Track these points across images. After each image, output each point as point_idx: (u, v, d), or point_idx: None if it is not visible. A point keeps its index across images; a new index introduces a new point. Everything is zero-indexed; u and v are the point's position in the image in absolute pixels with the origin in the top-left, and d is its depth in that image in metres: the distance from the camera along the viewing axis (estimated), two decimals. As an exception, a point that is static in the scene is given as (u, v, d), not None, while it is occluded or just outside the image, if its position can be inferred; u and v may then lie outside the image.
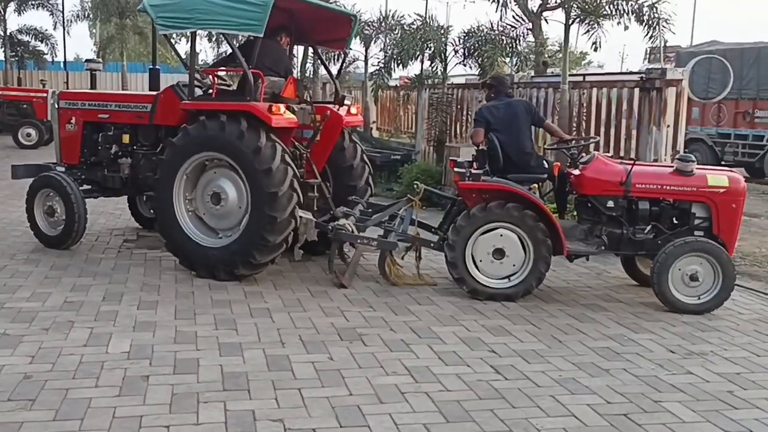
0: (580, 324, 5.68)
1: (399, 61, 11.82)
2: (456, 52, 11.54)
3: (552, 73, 12.73)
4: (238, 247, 6.46)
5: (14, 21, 64.73)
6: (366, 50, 14.84)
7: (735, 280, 6.05)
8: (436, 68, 11.91)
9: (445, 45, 11.68)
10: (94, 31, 48.14)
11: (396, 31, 13.46)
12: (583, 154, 6.79)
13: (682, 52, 21.51)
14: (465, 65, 11.75)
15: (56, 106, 8.07)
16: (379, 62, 12.64)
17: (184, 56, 7.82)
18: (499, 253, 6.16)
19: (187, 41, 7.82)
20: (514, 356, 4.93)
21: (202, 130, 6.53)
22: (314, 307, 5.90)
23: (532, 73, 11.47)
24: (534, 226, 6.08)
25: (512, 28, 10.73)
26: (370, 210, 7.37)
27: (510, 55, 10.92)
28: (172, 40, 7.91)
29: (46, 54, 28.88)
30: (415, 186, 7.14)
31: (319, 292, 6.37)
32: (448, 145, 11.40)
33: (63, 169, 7.84)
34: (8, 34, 27.35)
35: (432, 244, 6.79)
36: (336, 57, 14.21)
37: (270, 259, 6.51)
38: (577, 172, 6.43)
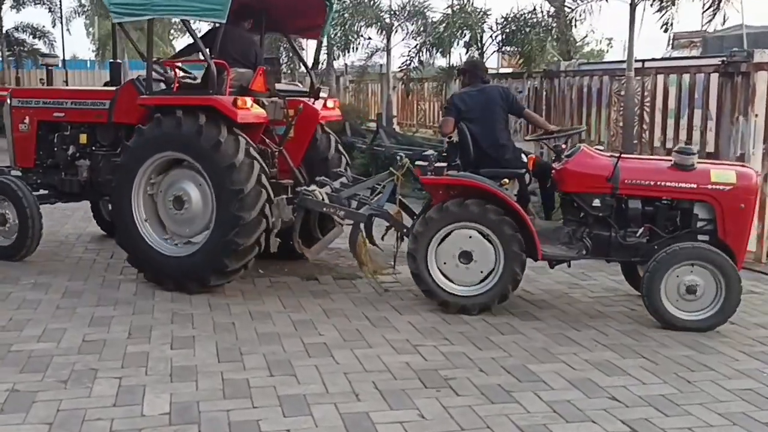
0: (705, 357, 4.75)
1: (434, 50, 10.81)
2: (494, 39, 10.54)
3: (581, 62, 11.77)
4: (206, 254, 5.87)
5: (11, 18, 63.62)
6: (387, 40, 13.87)
7: (741, 293, 5.10)
8: (473, 57, 10.90)
9: (483, 31, 10.69)
10: (92, 29, 47.12)
11: (421, 19, 12.52)
12: (563, 146, 5.91)
13: (710, 37, 20.52)
14: (504, 53, 10.75)
15: (8, 104, 7.43)
16: (409, 51, 11.65)
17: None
18: (465, 257, 5.44)
19: (184, 34, 7.06)
20: (643, 405, 4.00)
21: (157, 128, 5.96)
22: (379, 341, 4.96)
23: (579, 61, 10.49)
24: (499, 221, 5.35)
25: (569, 10, 9.73)
26: (352, 184, 6.69)
27: (559, 41, 9.95)
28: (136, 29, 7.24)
29: (45, 52, 27.82)
30: (398, 158, 6.25)
31: (379, 320, 5.43)
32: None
33: (18, 173, 7.25)
34: (5, 32, 26.31)
35: (405, 230, 5.95)
36: (350, 47, 13.23)
37: (243, 264, 5.92)
38: (558, 166, 5.63)
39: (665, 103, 8.26)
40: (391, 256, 6.31)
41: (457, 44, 11.06)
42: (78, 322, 5.26)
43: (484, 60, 11.01)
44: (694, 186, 5.28)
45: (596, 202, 5.41)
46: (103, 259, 7.20)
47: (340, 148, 7.25)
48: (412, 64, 11.43)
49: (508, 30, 10.45)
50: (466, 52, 11.01)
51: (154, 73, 6.30)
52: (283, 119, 6.65)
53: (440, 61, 12.99)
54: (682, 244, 5.19)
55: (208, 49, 6.19)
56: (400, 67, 12.03)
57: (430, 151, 6.00)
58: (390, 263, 6.38)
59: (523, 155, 6.05)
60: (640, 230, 5.38)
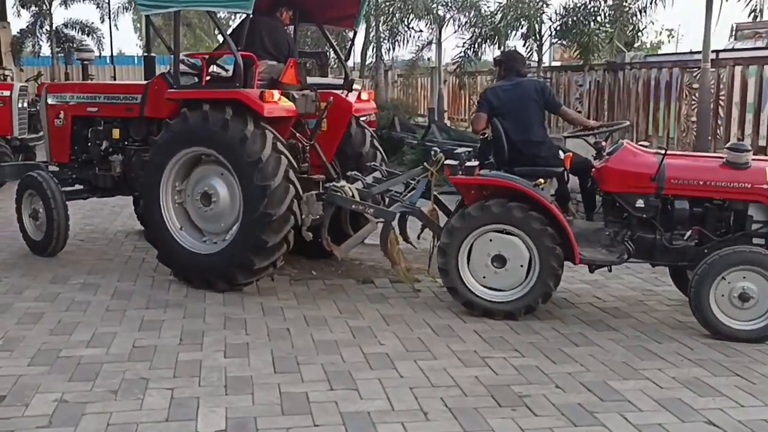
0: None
1: (488, 42, 10.40)
2: (554, 31, 10.08)
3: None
4: (233, 252, 5.72)
5: (61, 14, 64.77)
6: (439, 32, 13.49)
7: None
8: (530, 49, 10.47)
9: (541, 22, 10.24)
10: (138, 25, 47.62)
11: (474, 11, 12.11)
12: (604, 143, 5.47)
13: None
14: (563, 45, 10.30)
15: (44, 99, 7.40)
16: (464, 43, 11.26)
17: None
18: (499, 261, 5.16)
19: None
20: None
21: (184, 123, 5.82)
22: (444, 352, 4.63)
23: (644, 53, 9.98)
24: (540, 231, 5.03)
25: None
26: (386, 179, 6.38)
27: (625, 31, 9.45)
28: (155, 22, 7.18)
29: (93, 49, 28.08)
30: (433, 153, 5.94)
31: (442, 328, 5.09)
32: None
33: (56, 168, 7.25)
34: (54, 28, 26.65)
35: (438, 229, 5.62)
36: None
37: (271, 262, 5.74)
38: (599, 164, 5.25)
39: (743, 96, 7.73)
40: (427, 255, 5.97)
41: (514, 36, 10.61)
42: (128, 325, 5.05)
43: (542, 53, 10.55)
44: (748, 186, 4.89)
45: (640, 203, 5.05)
46: (152, 258, 6.93)
47: (376, 143, 6.99)
48: (466, 56, 10.99)
49: (569, 21, 9.94)
50: (524, 44, 10.57)
51: (186, 67, 6.18)
52: (315, 113, 6.44)
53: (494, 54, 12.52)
54: (735, 247, 4.80)
55: (236, 42, 6.02)
56: (453, 60, 11.66)
57: (462, 149, 5.70)
58: (421, 268, 6.10)
59: (561, 152, 5.68)
60: (688, 233, 5.01)
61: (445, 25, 13.15)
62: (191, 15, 29.08)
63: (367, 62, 16.22)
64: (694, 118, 8.18)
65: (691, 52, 8.96)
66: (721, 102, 7.98)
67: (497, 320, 5.21)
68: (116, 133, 6.90)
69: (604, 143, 5.48)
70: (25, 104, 11.21)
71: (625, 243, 5.09)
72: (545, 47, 10.61)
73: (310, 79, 6.67)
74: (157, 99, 6.36)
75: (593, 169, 5.39)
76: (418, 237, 6.15)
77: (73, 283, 6.11)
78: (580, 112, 10.58)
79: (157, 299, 5.68)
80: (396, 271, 5.95)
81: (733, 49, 8.87)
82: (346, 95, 6.70)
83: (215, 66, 6.64)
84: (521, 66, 5.88)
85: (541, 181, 5.24)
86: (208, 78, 6.19)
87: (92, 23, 27.92)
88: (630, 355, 4.60)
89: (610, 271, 5.72)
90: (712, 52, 8.06)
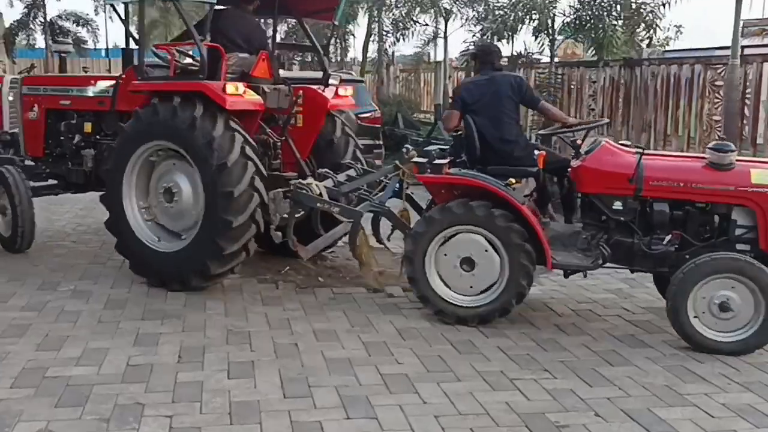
0: None
1: (497, 36, 9.99)
2: (567, 25, 9.68)
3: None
4: (190, 255, 5.54)
5: (54, 6, 63.99)
6: (445, 26, 13.08)
7: None
8: (542, 44, 10.08)
9: (554, 16, 9.84)
10: (135, 18, 46.98)
11: (482, 4, 11.70)
12: (580, 141, 5.21)
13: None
14: (576, 40, 9.90)
15: (19, 91, 7.24)
16: (473, 36, 10.85)
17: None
18: (468, 264, 4.92)
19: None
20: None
21: (153, 115, 5.62)
22: (468, 372, 4.23)
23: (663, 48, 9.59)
24: (506, 228, 4.81)
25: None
26: (360, 177, 6.23)
27: (645, 27, 9.06)
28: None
29: (87, 41, 27.60)
30: (405, 151, 5.72)
31: (463, 344, 4.69)
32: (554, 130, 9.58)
33: (31, 163, 7.09)
34: (49, 20, 26.14)
35: (407, 231, 5.38)
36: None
37: (227, 269, 5.58)
38: (576, 163, 5.02)
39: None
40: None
41: (525, 30, 10.20)
42: (122, 340, 4.63)
43: (554, 47, 10.15)
44: (732, 188, 4.62)
45: (617, 205, 4.81)
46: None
47: (348, 130, 6.68)
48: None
49: (583, 15, 9.55)
50: (535, 39, 10.17)
51: (160, 59, 5.97)
52: (288, 108, 6.27)
53: (504, 51, 12.11)
54: (715, 254, 4.52)
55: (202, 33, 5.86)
56: (462, 53, 11.23)
57: (433, 147, 5.51)
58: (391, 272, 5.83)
59: (536, 151, 5.37)
60: (668, 237, 4.75)
61: (451, 19, 12.73)
62: (189, 7, 28.52)
63: (369, 57, 15.79)
64: (717, 117, 7.80)
65: (713, 48, 8.56)
66: (747, 100, 7.59)
67: (519, 335, 4.85)
68: (88, 126, 6.73)
69: (580, 141, 5.21)
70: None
71: (601, 247, 4.84)
72: (558, 42, 10.14)
73: (290, 74, 6.47)
74: (127, 92, 6.15)
75: (569, 169, 5.11)
76: (388, 238, 5.95)
77: (63, 290, 5.70)
78: (593, 109, 10.22)
79: (153, 309, 5.27)
80: (364, 274, 5.76)
81: (759, 45, 8.45)
82: (323, 90, 6.47)
83: (189, 58, 6.28)
84: (496, 59, 5.58)
85: (512, 180, 5.01)
86: (178, 70, 5.92)
87: (87, 14, 27.44)
88: (671, 377, 4.21)
89: (585, 276, 5.49)
90: (719, 48, 7.69)
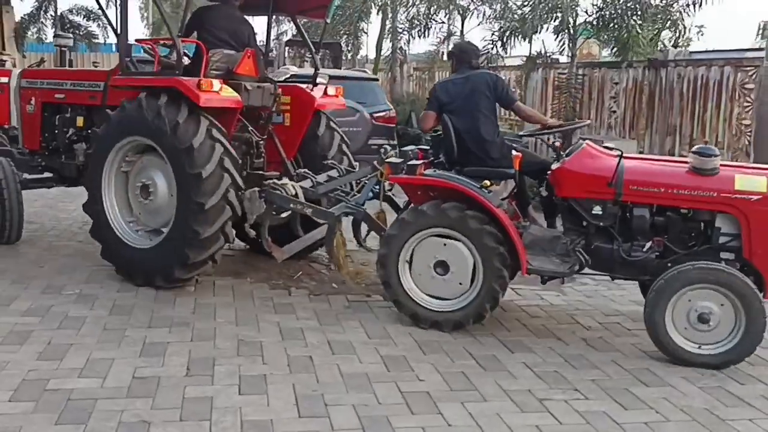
0: None
1: (517, 35, 9.71)
2: (591, 24, 9.39)
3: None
4: (168, 246, 5.48)
5: (65, 1, 63.84)
6: (462, 24, 12.82)
7: (765, 326, 4.23)
8: (563, 43, 9.80)
9: (576, 15, 9.56)
10: (145, 13, 46.93)
11: (500, 2, 11.43)
12: (558, 144, 5.09)
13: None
14: (599, 39, 9.63)
15: (18, 84, 7.23)
16: (492, 34, 10.57)
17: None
18: (442, 267, 4.82)
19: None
20: None
21: (122, 112, 5.65)
22: (494, 391, 3.98)
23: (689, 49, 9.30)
24: (478, 231, 4.68)
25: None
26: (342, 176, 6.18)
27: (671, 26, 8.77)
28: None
29: (97, 36, 27.38)
30: (383, 151, 5.65)
31: (488, 360, 4.45)
32: (583, 137, 9.30)
33: (27, 153, 7.07)
34: (59, 14, 25.98)
35: (382, 233, 5.25)
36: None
37: (207, 256, 5.47)
38: (555, 166, 4.89)
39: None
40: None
41: (546, 29, 9.91)
42: (127, 349, 4.41)
43: (576, 47, 9.87)
44: (714, 194, 4.45)
45: (597, 210, 4.67)
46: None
47: (333, 124, 6.55)
48: (494, 50, 10.31)
49: (607, 14, 9.26)
50: (556, 38, 9.89)
51: (149, 55, 6.01)
52: (273, 106, 6.20)
53: (520, 50, 11.85)
54: (694, 263, 4.36)
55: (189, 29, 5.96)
56: (481, 53, 10.93)
57: (411, 147, 5.43)
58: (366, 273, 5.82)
59: (514, 152, 5.19)
60: (649, 244, 4.61)
61: (468, 17, 12.46)
62: (200, 3, 28.30)
63: (383, 55, 15.53)
64: (747, 121, 7.51)
65: (745, 50, 8.28)
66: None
67: (546, 350, 4.60)
68: (80, 121, 6.69)
69: (558, 143, 5.04)
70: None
71: (578, 253, 4.70)
72: (579, 42, 9.87)
73: (301, 71, 6.37)
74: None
75: (548, 172, 4.95)
76: (364, 240, 5.81)
77: (68, 294, 5.48)
78: (614, 112, 9.94)
79: (160, 316, 5.05)
80: (342, 276, 5.67)
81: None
82: (311, 89, 6.39)
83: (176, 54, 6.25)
84: (473, 58, 5.43)
85: (487, 182, 4.86)
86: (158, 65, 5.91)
87: (98, 9, 27.20)
88: (711, 399, 3.95)
89: (562, 283, 5.28)
90: (749, 50, 7.40)
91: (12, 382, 3.87)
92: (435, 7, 12.33)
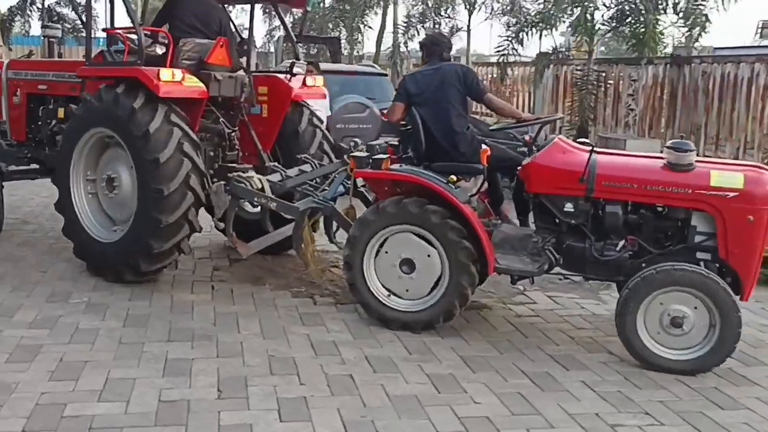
0: None
1: (534, 30, 9.37)
2: (611, 20, 9.07)
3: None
4: (132, 237, 5.34)
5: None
6: (468, 19, 12.47)
7: (739, 331, 4.04)
8: (580, 39, 9.47)
9: (595, 9, 9.23)
10: (134, 6, 46.12)
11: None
12: (528, 138, 4.90)
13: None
14: (616, 35, 9.32)
15: (5, 75, 7.11)
16: (509, 29, 10.21)
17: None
18: (408, 265, 4.66)
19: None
20: None
21: (85, 105, 5.58)
22: (559, 415, 3.62)
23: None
24: (441, 225, 4.53)
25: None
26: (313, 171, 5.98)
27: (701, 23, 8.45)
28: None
29: (59, 26, 26.74)
30: (353, 145, 5.64)
31: (543, 378, 4.09)
32: (604, 135, 9.00)
33: (15, 145, 6.96)
34: (46, 6, 25.34)
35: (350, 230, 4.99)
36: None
37: (172, 244, 5.30)
38: (525, 161, 4.73)
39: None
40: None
41: (563, 24, 9.58)
42: (148, 367, 4.01)
43: (593, 42, 9.54)
44: (689, 191, 4.25)
45: (568, 207, 4.48)
46: (168, 269, 5.96)
47: (315, 120, 6.36)
48: (510, 46, 9.95)
49: (625, 8, 8.94)
50: (573, 33, 9.55)
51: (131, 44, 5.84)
52: (249, 97, 6.06)
53: (532, 47, 11.51)
54: (664, 265, 4.16)
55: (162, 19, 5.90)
56: (496, 49, 10.57)
57: (381, 141, 5.33)
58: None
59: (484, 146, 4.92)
60: (622, 243, 4.41)
61: (476, 11, 12.11)
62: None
63: (384, 50, 15.16)
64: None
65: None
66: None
67: (602, 366, 4.27)
68: (62, 112, 6.46)
69: (528, 137, 4.88)
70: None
71: (548, 251, 4.53)
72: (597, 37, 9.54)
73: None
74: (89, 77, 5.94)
75: (519, 168, 4.78)
76: (334, 235, 5.57)
77: (76, 302, 5.07)
78: (632, 109, 9.63)
79: (180, 327, 4.65)
80: (309, 273, 5.54)
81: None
82: (289, 80, 6.25)
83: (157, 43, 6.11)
84: (445, 50, 5.24)
85: (454, 177, 4.66)
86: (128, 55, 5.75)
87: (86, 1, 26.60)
88: (792, 424, 3.63)
89: (532, 283, 5.09)
90: (749, 47, 7.09)
91: (25, 408, 3.47)
92: (438, 1, 11.93)
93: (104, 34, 6.48)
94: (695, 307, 4.08)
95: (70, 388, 3.70)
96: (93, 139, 5.67)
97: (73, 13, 26.07)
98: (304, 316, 4.98)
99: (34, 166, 7.00)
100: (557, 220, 4.57)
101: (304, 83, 6.28)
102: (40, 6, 25.26)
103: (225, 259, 6.31)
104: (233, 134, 6.01)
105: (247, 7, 6.75)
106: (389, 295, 4.74)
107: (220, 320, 4.82)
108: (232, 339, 4.48)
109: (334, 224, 5.52)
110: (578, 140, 4.99)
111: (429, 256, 4.59)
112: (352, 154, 5.11)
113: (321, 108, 7.42)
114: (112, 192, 5.65)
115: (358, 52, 15.40)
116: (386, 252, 4.69)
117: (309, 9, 6.94)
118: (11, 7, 25.37)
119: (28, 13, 25.37)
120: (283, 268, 6.04)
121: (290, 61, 6.81)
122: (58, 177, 5.88)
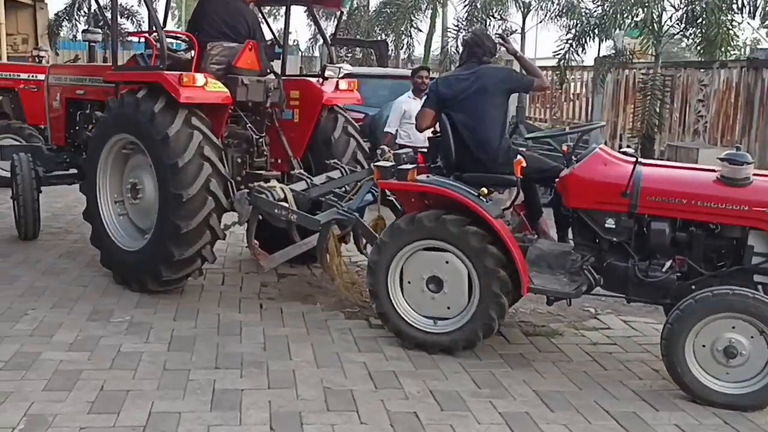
0: None
1: (596, 33, 8.90)
2: (680, 21, 8.54)
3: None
4: (145, 257, 5.23)
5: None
6: (523, 21, 12.02)
7: None
8: (646, 41, 8.96)
9: (662, 10, 8.72)
10: (177, 12, 46.64)
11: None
12: (565, 148, 4.43)
13: None
14: (685, 37, 8.79)
15: (46, 80, 7.17)
16: (570, 31, 9.75)
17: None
18: (435, 284, 4.33)
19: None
20: None
21: (108, 111, 5.49)
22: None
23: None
24: (479, 250, 4.18)
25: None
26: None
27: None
28: None
29: (99, 30, 26.96)
30: (380, 153, 5.32)
31: (628, 418, 3.65)
32: (673, 144, 8.47)
33: (55, 150, 7.00)
34: (93, 11, 25.54)
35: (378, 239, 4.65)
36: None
37: (194, 252, 5.10)
38: (563, 173, 4.37)
39: None
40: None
41: (625, 26, 9.08)
42: (195, 399, 3.67)
43: (660, 45, 9.03)
44: (746, 207, 3.88)
45: (609, 223, 4.14)
46: (213, 284, 5.67)
47: (351, 129, 6.09)
48: (572, 49, 9.48)
49: (695, 9, 8.41)
50: (638, 36, 9.05)
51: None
52: (278, 102, 5.88)
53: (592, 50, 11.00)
54: (720, 288, 3.78)
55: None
56: (555, 53, 10.11)
57: (407, 150, 5.00)
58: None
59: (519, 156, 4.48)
60: (669, 263, 4.06)
61: (531, 14, 11.65)
62: None
63: (433, 53, 14.80)
64: None
65: None
66: None
67: (693, 406, 3.78)
68: (97, 117, 6.32)
69: (565, 148, 4.43)
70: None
71: (586, 271, 4.19)
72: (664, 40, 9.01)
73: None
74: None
75: (556, 180, 4.42)
76: (364, 246, 5.31)
77: (118, 321, 4.79)
78: (702, 116, 9.08)
79: (227, 353, 4.32)
80: (336, 287, 5.24)
81: None
82: (321, 84, 6.03)
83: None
84: (486, 54, 4.79)
85: (485, 190, 4.34)
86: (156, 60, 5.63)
87: (131, 6, 26.80)
88: None
89: (569, 305, 4.62)
90: None
91: (62, 446, 3.16)
92: (494, 2, 11.51)
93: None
94: (752, 336, 3.68)
95: (111, 423, 3.40)
96: (117, 146, 5.57)
97: (119, 17, 26.39)
98: (359, 340, 4.61)
99: (72, 171, 6.96)
100: (597, 238, 4.23)
101: (336, 87, 6.04)
102: (86, 11, 25.45)
103: (273, 274, 5.98)
104: (261, 140, 5.83)
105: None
106: (412, 311, 4.43)
107: (270, 344, 4.48)
108: (283, 367, 4.14)
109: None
110: (621, 150, 4.58)
111: (460, 278, 4.25)
112: (376, 164, 4.80)
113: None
114: (136, 199, 5.54)
115: (409, 56, 15.03)
116: (415, 266, 4.38)
117: (344, 9, 6.69)
118: (58, 12, 25.65)
119: (76, 17, 25.66)
120: (331, 285, 5.68)
121: (337, 65, 6.50)
122: (85, 184, 5.78)
